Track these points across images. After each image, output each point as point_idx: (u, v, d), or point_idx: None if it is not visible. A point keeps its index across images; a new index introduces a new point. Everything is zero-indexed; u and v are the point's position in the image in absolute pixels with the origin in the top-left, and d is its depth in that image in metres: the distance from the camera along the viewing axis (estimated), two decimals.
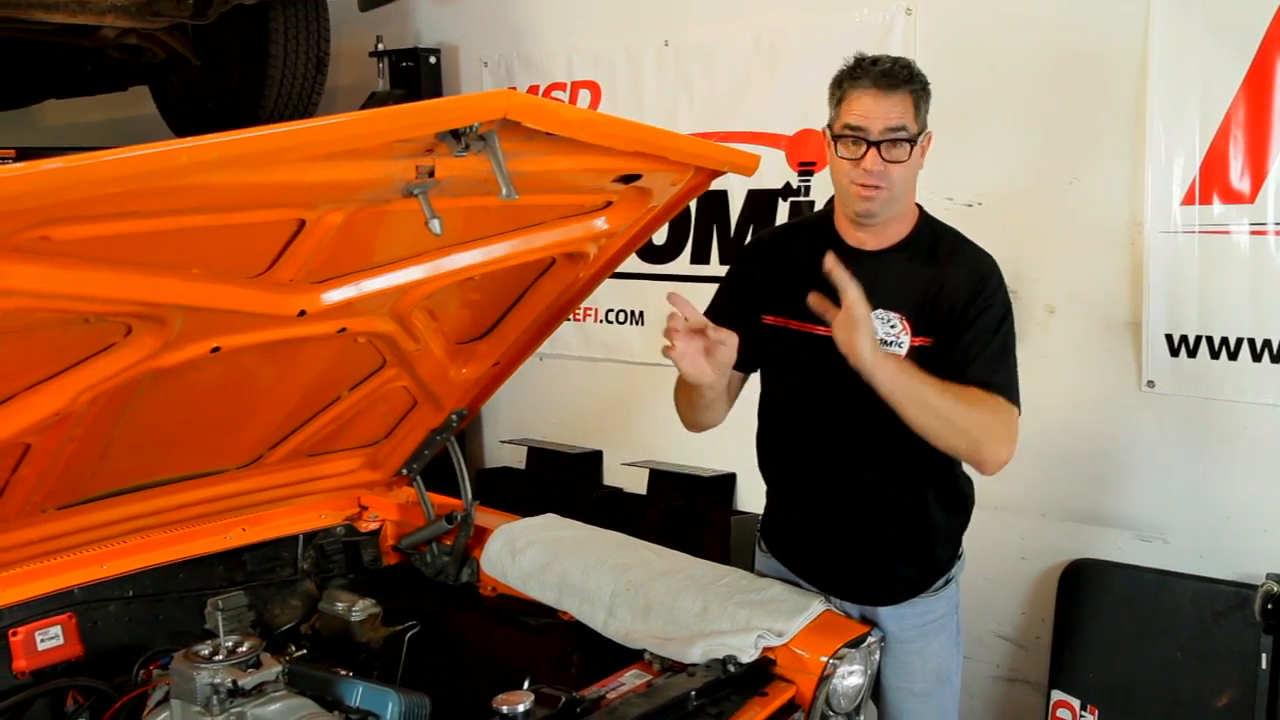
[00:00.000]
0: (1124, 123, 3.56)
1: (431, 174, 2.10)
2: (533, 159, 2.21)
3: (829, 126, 2.62)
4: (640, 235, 2.90)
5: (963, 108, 3.77)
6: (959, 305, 2.58)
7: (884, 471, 2.71)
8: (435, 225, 2.09)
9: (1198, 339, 3.47)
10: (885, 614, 2.79)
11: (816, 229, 2.76)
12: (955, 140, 3.86)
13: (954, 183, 3.85)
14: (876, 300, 2.57)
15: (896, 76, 2.52)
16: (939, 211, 3.83)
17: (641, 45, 4.74)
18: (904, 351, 2.58)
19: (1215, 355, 3.45)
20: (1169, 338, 3.53)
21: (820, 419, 2.75)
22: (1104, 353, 3.67)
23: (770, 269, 2.79)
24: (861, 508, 2.75)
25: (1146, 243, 3.53)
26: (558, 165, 2.34)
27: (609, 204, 2.71)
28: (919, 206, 2.72)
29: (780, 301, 2.73)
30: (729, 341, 2.50)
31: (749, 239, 2.93)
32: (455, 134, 1.98)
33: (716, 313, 2.85)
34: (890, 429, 2.51)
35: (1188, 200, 3.45)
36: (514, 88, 5.11)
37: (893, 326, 2.61)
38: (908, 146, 2.52)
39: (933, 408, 2.46)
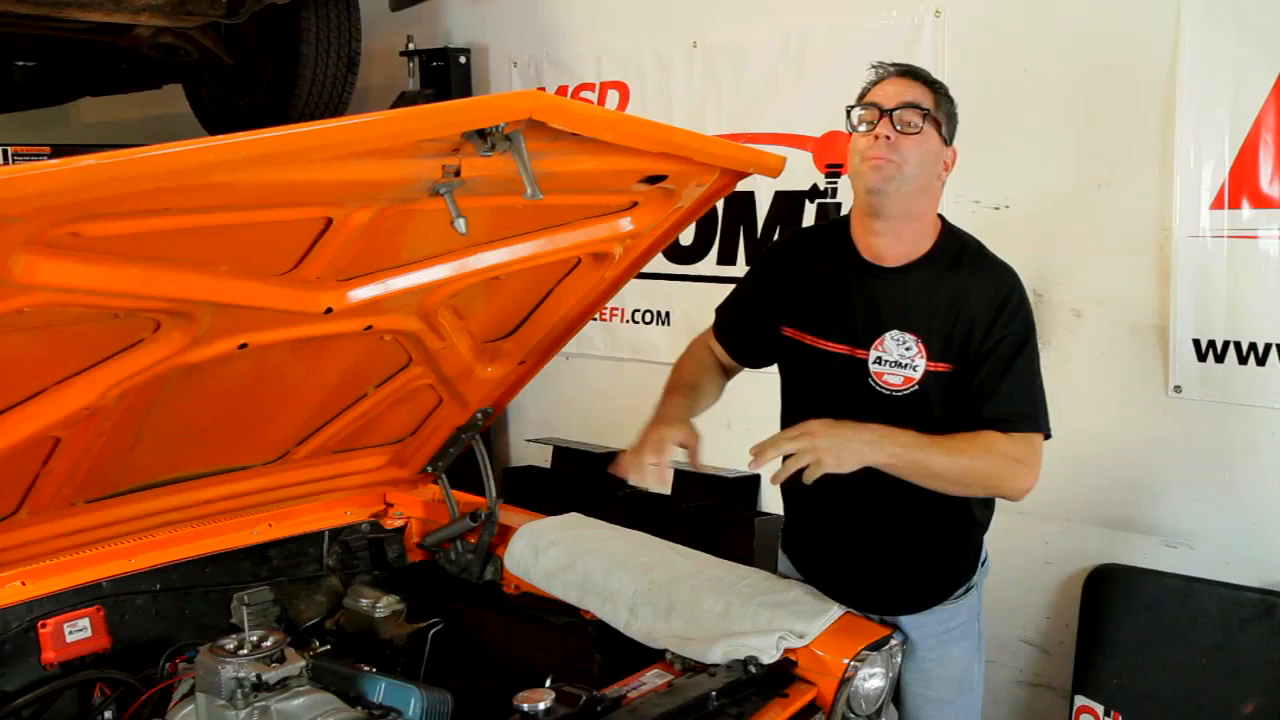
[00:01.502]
0: (1153, 126, 3.53)
1: (458, 173, 2.11)
2: (558, 159, 2.21)
3: (847, 115, 2.61)
4: (666, 236, 2.91)
5: (990, 111, 3.75)
6: (978, 331, 2.53)
7: (900, 489, 2.63)
8: (460, 224, 2.10)
9: (1225, 344, 3.44)
10: (904, 622, 2.76)
11: (834, 240, 2.71)
12: (983, 143, 3.84)
13: (981, 186, 3.83)
14: (892, 320, 2.58)
15: (916, 72, 2.58)
16: (966, 216, 3.86)
17: (670, 46, 4.74)
18: (918, 375, 2.55)
19: (1243, 360, 3.42)
20: (1196, 343, 3.50)
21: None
22: (1131, 357, 3.65)
23: (788, 280, 2.77)
24: (877, 524, 2.72)
25: (1174, 247, 3.50)
26: (583, 166, 2.35)
27: (634, 205, 2.72)
28: (942, 219, 2.67)
29: (798, 315, 2.72)
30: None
31: (770, 243, 2.92)
32: (481, 134, 1.99)
33: (732, 316, 2.92)
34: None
35: (1217, 204, 3.42)
36: (543, 88, 5.12)
37: (908, 349, 2.57)
38: (921, 119, 2.50)
39: (938, 474, 2.49)
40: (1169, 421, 3.60)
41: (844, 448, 2.42)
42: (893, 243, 2.60)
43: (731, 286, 3.01)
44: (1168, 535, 3.65)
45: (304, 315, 2.37)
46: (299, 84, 5.09)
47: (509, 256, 2.63)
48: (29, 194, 1.58)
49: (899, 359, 2.57)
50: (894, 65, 2.59)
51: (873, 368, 2.60)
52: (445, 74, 5.35)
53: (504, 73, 5.41)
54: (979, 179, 3.75)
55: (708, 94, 4.64)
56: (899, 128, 2.49)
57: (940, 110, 2.55)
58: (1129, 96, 3.60)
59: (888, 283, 2.60)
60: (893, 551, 2.73)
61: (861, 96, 2.59)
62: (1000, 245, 3.77)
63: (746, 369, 2.97)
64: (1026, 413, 2.54)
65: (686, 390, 2.85)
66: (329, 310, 2.39)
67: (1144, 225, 3.58)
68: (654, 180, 2.60)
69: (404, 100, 5.26)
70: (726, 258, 4.64)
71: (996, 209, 3.85)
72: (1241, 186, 3.38)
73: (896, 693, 2.79)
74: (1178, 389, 3.56)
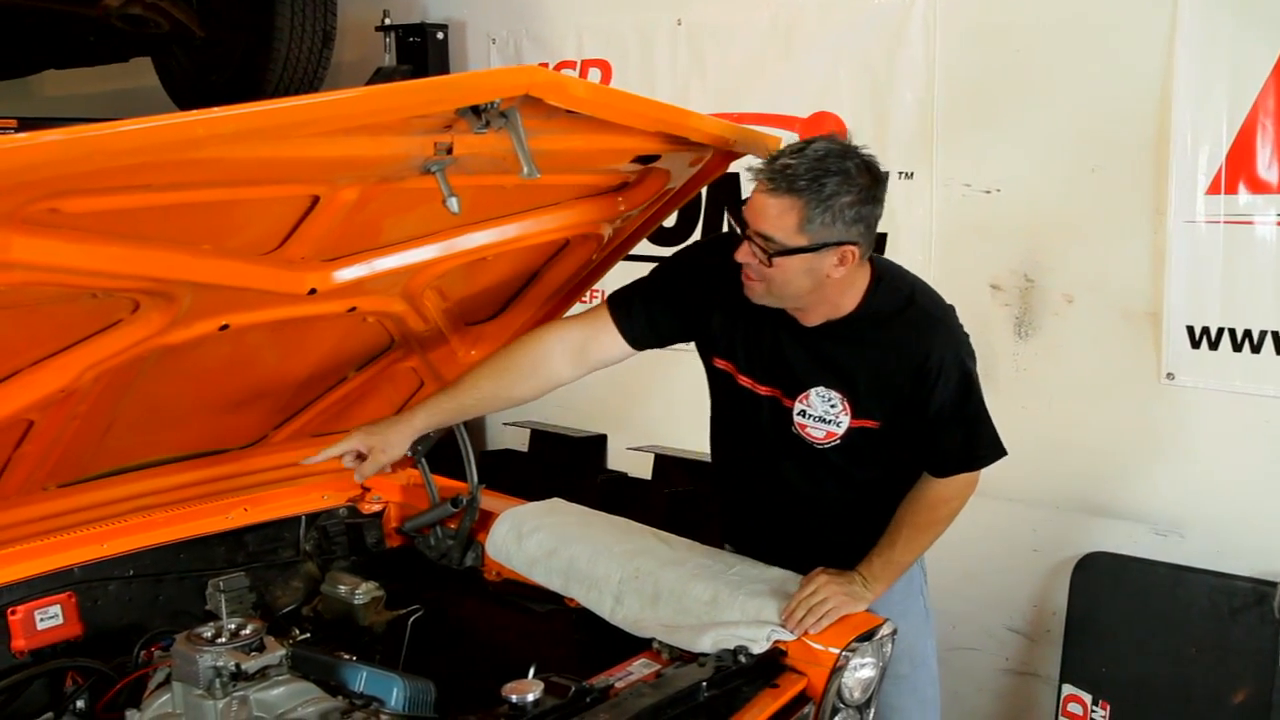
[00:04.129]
0: (1149, 109, 3.50)
1: (450, 151, 2.08)
2: (551, 137, 2.18)
3: None
4: (656, 217, 2.91)
5: (982, 92, 3.73)
6: (909, 393, 2.52)
7: (828, 506, 2.73)
8: (453, 204, 2.08)
9: (1220, 331, 3.44)
10: None
11: None
12: (974, 126, 3.83)
13: (972, 169, 3.81)
14: (816, 376, 2.58)
15: (790, 178, 2.34)
16: (956, 200, 3.84)
17: (653, 24, 4.68)
18: (841, 431, 2.57)
19: (1238, 348, 3.41)
20: (1190, 329, 3.49)
21: (768, 458, 2.74)
22: (1122, 344, 3.63)
23: (719, 307, 2.67)
24: (809, 533, 2.76)
25: (1169, 232, 3.48)
26: (577, 144, 2.32)
27: (625, 185, 2.70)
28: (875, 270, 2.57)
29: (729, 349, 2.68)
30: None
31: (696, 245, 2.82)
32: (476, 110, 1.96)
33: (647, 311, 2.73)
34: (830, 479, 2.67)
35: (1213, 189, 3.40)
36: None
37: (832, 405, 2.57)
38: (764, 255, 2.39)
39: (915, 555, 2.68)
40: (1161, 409, 3.59)
41: (851, 590, 2.56)
42: (807, 315, 2.57)
43: None
44: (1158, 523, 3.64)
45: (287, 296, 2.33)
46: (273, 58, 5.00)
47: (497, 237, 2.60)
48: (9, 167, 1.53)
49: (823, 415, 2.59)
50: (776, 157, 2.39)
51: (796, 419, 2.62)
52: (422, 50, 5.27)
53: (482, 49, 5.33)
54: (969, 162, 3.72)
55: (692, 73, 4.58)
56: (755, 254, 2.41)
57: (813, 226, 2.36)
58: (1124, 78, 3.57)
59: (814, 340, 2.58)
60: (821, 530, 2.75)
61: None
62: (991, 230, 3.81)
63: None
64: (977, 455, 2.61)
65: (462, 392, 2.73)
66: (313, 291, 2.35)
67: (1138, 210, 3.56)
68: (646, 160, 2.57)
69: (380, 76, 5.18)
70: None
71: (987, 193, 3.82)
72: (1239, 171, 3.36)
73: None
74: (1170, 376, 3.55)
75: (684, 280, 2.74)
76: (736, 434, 2.81)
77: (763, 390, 2.65)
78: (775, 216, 2.36)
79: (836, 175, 2.34)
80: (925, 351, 2.51)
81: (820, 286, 2.46)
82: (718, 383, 2.76)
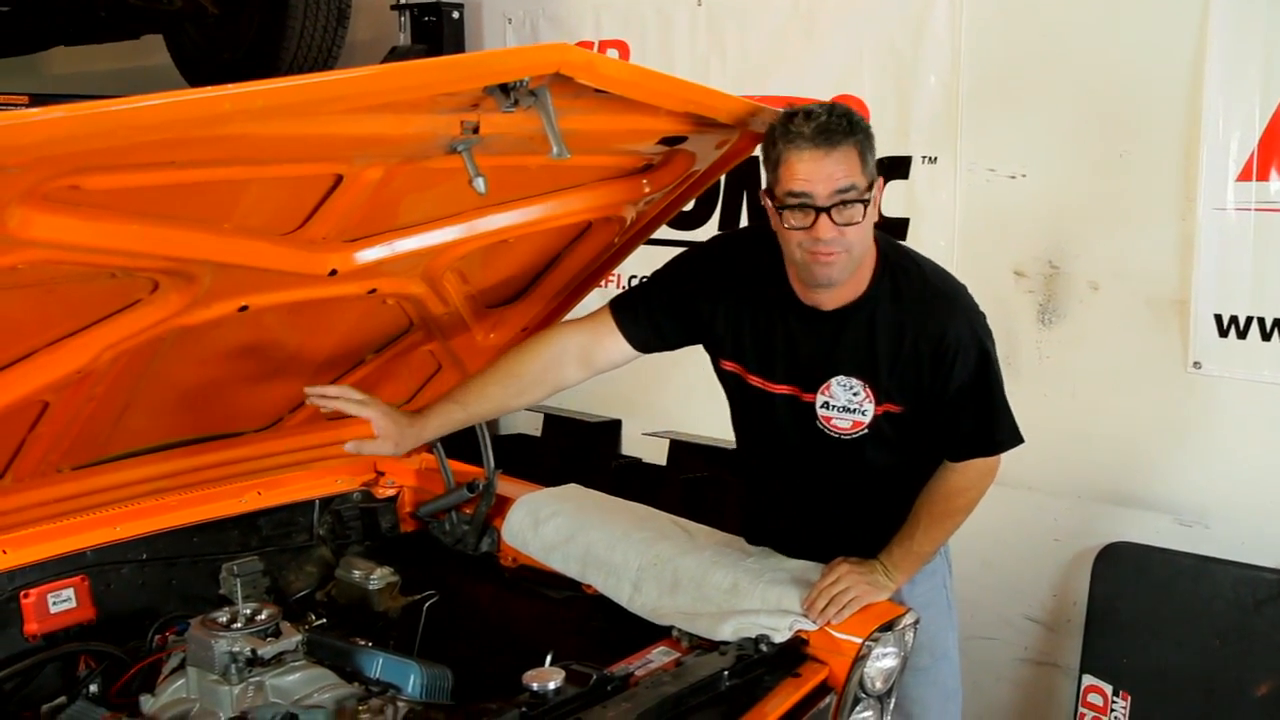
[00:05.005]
0: (1179, 94, 3.45)
1: (476, 130, 2.04)
2: (578, 117, 2.14)
3: (768, 191, 2.40)
4: (679, 200, 2.88)
5: (1008, 75, 3.69)
6: (928, 373, 2.49)
7: (864, 493, 2.70)
8: (480, 184, 2.05)
9: (1249, 320, 3.40)
10: None
11: (768, 274, 2.57)
12: (1000, 109, 3.78)
13: (997, 154, 3.78)
14: (837, 365, 2.54)
15: (835, 130, 2.29)
16: (980, 185, 3.79)
17: (673, 4, 4.63)
18: (868, 419, 2.54)
19: (1266, 337, 3.37)
20: (1218, 318, 3.45)
21: (792, 459, 2.72)
22: (1148, 332, 3.59)
23: (722, 307, 2.63)
24: (832, 524, 2.74)
25: (1198, 219, 3.44)
26: (604, 125, 2.29)
27: (650, 166, 2.66)
28: (880, 248, 2.52)
29: (736, 351, 2.64)
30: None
31: (694, 248, 2.77)
32: (504, 89, 1.92)
33: (651, 316, 2.70)
34: (857, 473, 2.63)
35: (1244, 176, 3.36)
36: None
37: (855, 394, 2.53)
38: (861, 207, 2.32)
39: (935, 545, 2.67)
40: (1187, 398, 3.55)
41: (872, 579, 2.55)
42: (832, 297, 2.51)
43: None
44: (1182, 514, 3.61)
45: (308, 277, 2.30)
46: (287, 36, 4.97)
47: (519, 219, 2.57)
48: (31, 142, 1.50)
49: (847, 404, 2.55)
50: (806, 116, 2.31)
51: (820, 412, 2.58)
52: (438, 30, 5.23)
53: (498, 29, 5.29)
54: (995, 146, 3.69)
55: (712, 55, 4.54)
56: (839, 221, 2.32)
57: (869, 166, 2.34)
58: (1154, 61, 3.51)
59: (829, 327, 2.54)
60: (849, 524, 2.71)
61: (775, 159, 2.36)
62: (1015, 215, 3.77)
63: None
64: (996, 440, 2.57)
65: (471, 400, 2.69)
66: (334, 272, 2.33)
67: (1166, 196, 3.52)
68: (673, 141, 2.54)
69: (395, 56, 5.15)
70: (729, 223, 4.56)
71: (1013, 178, 3.77)
72: (1271, 157, 3.32)
73: None
74: (1197, 365, 3.51)
75: (685, 284, 2.68)
76: (755, 435, 2.78)
77: (777, 389, 2.61)
78: (847, 167, 2.30)
79: (852, 113, 2.35)
80: (942, 329, 2.47)
81: (869, 237, 2.45)
82: (729, 386, 2.72)
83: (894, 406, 2.53)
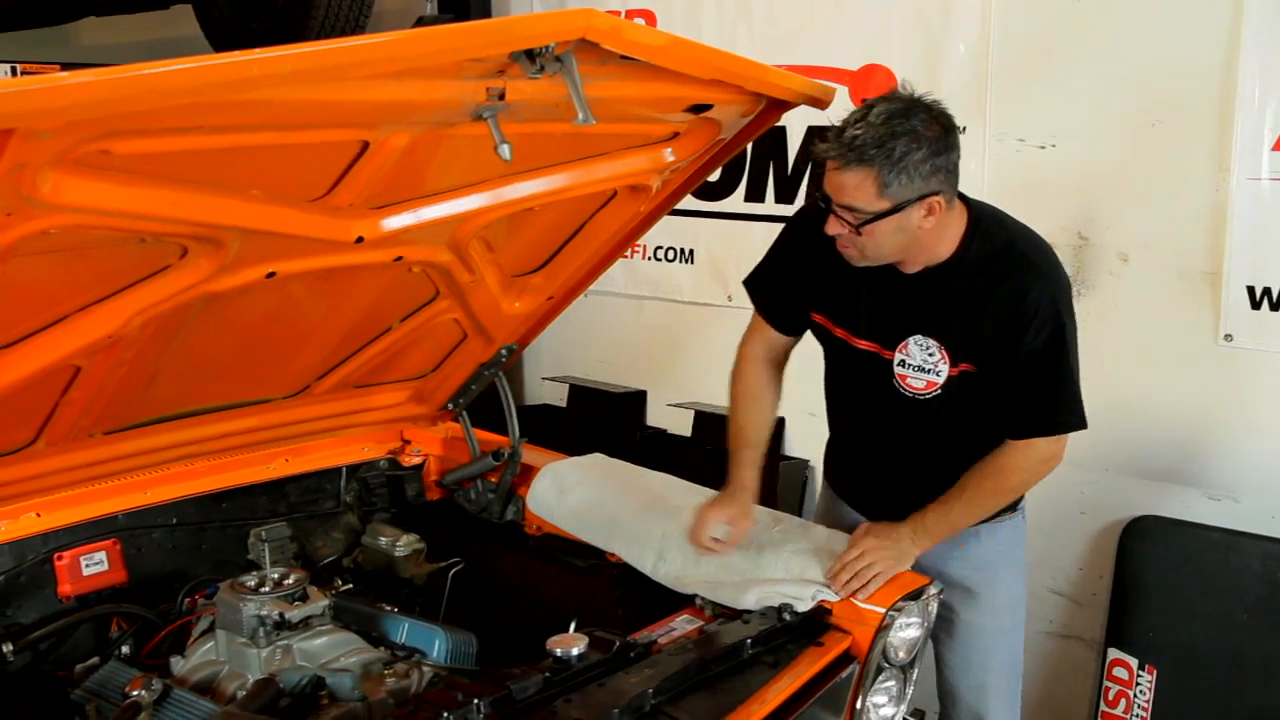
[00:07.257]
0: (1214, 61, 3.39)
1: (502, 96, 2.03)
2: (604, 84, 2.13)
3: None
4: (705, 169, 2.87)
5: (1040, 44, 3.64)
6: (1005, 338, 2.49)
7: (937, 452, 2.70)
8: (505, 150, 2.04)
9: None
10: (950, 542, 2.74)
11: None
12: (1030, 78, 3.75)
13: (1026, 123, 3.73)
14: (914, 325, 2.57)
15: (856, 148, 2.34)
16: (1010, 155, 3.75)
17: None
18: (941, 379, 2.56)
19: None
20: (1250, 290, 3.40)
21: (870, 413, 2.77)
22: (1179, 304, 3.55)
23: (813, 258, 2.66)
24: (915, 476, 2.73)
25: (1231, 190, 3.39)
26: (630, 92, 2.27)
27: (676, 135, 2.64)
28: (972, 214, 2.55)
29: (825, 304, 2.72)
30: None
31: (784, 228, 2.83)
32: (530, 54, 1.91)
33: (771, 294, 2.85)
34: (930, 431, 2.65)
35: (1279, 146, 3.31)
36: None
37: (931, 354, 2.56)
38: (857, 225, 2.41)
39: (972, 520, 2.66)
40: (1218, 371, 3.52)
41: (897, 550, 2.57)
42: (907, 265, 2.56)
43: (758, 224, 2.89)
44: (1211, 488, 3.58)
45: (334, 244, 2.30)
46: (315, 5, 4.95)
47: (546, 186, 2.56)
48: (64, 105, 1.50)
49: (922, 364, 2.58)
50: (839, 132, 2.38)
51: (896, 370, 2.62)
52: None
53: None
54: (1024, 115, 3.65)
55: (739, 23, 4.49)
56: (843, 226, 2.43)
57: (892, 189, 2.35)
58: (1189, 28, 3.45)
59: (909, 287, 2.57)
60: (921, 481, 2.70)
61: (815, 156, 2.53)
62: (1045, 186, 3.73)
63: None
64: (1061, 420, 2.56)
65: (755, 438, 2.84)
66: (360, 239, 2.32)
67: (1199, 166, 3.47)
68: (699, 109, 2.52)
69: (422, 24, 5.12)
70: (755, 194, 4.52)
71: (1042, 148, 3.73)
72: None
73: (948, 627, 2.83)
74: (1228, 337, 3.47)
75: (784, 258, 2.81)
76: (841, 387, 2.84)
77: (861, 344, 2.65)
78: (853, 189, 2.37)
79: (903, 136, 2.33)
80: (1023, 294, 2.48)
81: (915, 239, 2.46)
82: (821, 338, 2.78)
83: (969, 366, 2.54)
